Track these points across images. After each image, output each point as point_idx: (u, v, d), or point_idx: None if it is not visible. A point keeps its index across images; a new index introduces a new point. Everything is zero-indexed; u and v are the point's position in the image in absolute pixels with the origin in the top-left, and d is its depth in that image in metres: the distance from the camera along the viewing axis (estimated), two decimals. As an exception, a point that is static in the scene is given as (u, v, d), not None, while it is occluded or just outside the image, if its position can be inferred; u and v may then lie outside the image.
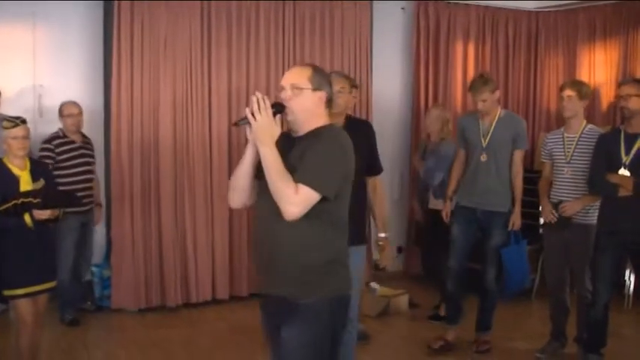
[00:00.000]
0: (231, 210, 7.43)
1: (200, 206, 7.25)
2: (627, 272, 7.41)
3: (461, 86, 8.69)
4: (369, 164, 4.95)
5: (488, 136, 5.97)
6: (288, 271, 3.28)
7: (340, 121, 4.88)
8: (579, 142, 5.73)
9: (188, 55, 7.18)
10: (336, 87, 4.75)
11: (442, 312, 6.64)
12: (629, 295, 7.48)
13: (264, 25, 7.56)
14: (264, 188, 3.27)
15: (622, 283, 7.46)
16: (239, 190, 3.60)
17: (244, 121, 3.28)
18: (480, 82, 5.94)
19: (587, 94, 5.80)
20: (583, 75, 8.81)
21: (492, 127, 5.97)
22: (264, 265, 3.39)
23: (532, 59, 9.12)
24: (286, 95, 3.33)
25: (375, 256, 5.41)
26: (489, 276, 6.09)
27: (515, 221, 5.93)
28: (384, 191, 5.31)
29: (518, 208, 5.96)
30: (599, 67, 8.75)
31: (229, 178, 7.24)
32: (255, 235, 3.49)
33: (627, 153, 5.30)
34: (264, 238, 3.35)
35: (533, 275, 7.15)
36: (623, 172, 5.27)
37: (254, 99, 3.19)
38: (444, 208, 6.25)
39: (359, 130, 4.84)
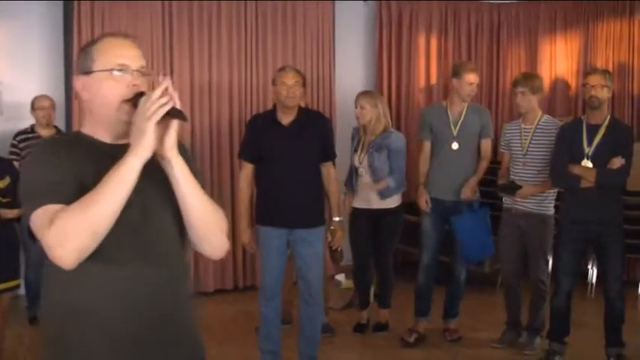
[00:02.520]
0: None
1: (164, 202, 7.20)
2: (590, 261, 7.51)
3: (424, 78, 8.72)
4: (322, 151, 5.22)
5: (459, 125, 6.04)
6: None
7: (294, 113, 5.15)
8: (535, 133, 5.81)
9: (149, 54, 7.14)
10: (290, 81, 5.07)
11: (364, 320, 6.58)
12: (591, 284, 7.58)
13: (225, 24, 7.57)
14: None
15: (585, 273, 7.56)
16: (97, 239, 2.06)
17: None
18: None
19: (539, 87, 5.87)
20: (544, 66, 8.90)
21: (462, 115, 6.05)
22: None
23: (494, 51, 9.17)
24: None
25: (329, 238, 5.48)
26: (459, 266, 6.17)
27: (466, 190, 6.00)
28: (337, 177, 5.43)
29: (473, 180, 6.04)
30: (559, 58, 8.84)
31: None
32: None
33: (589, 144, 5.35)
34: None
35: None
36: (586, 163, 5.32)
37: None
38: (422, 196, 6.12)
39: (312, 119, 5.27)
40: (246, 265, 7.81)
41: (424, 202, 6.09)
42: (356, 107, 6.18)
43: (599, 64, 8.15)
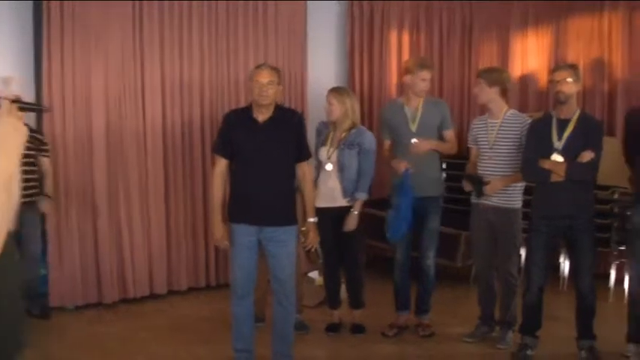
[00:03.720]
0: (167, 204, 7.40)
1: (135, 201, 7.19)
2: (562, 255, 7.56)
3: (396, 76, 8.75)
4: (297, 151, 5.24)
5: (417, 121, 6.08)
6: None
7: (269, 111, 5.15)
8: (501, 127, 5.86)
9: (120, 52, 7.10)
10: (264, 79, 5.08)
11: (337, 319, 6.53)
12: (563, 278, 7.63)
13: (196, 23, 7.54)
14: None
15: (557, 266, 7.61)
16: None
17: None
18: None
19: (497, 80, 5.90)
20: (516, 62, 8.93)
21: (419, 111, 6.09)
22: None
23: (466, 47, 9.20)
24: None
25: (302, 239, 5.50)
26: (428, 261, 6.19)
27: (420, 143, 6.05)
28: (313, 177, 5.49)
29: (430, 142, 6.10)
30: (531, 54, 8.87)
31: (164, 172, 7.26)
32: None
33: (559, 138, 5.39)
34: None
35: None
36: (556, 157, 5.36)
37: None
38: (399, 162, 6.04)
39: (287, 118, 5.26)
40: (219, 263, 7.78)
41: (403, 166, 6.01)
42: (327, 104, 6.18)
43: (570, 59, 8.19)
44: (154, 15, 7.26)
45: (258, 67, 5.28)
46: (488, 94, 5.89)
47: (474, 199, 6.01)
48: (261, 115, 5.13)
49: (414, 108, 6.13)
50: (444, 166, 8.22)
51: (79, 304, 7.00)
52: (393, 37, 8.92)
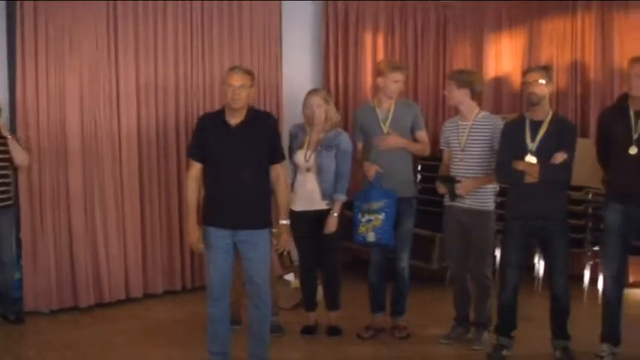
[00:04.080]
0: (142, 206, 7.37)
1: (110, 203, 7.15)
2: (536, 256, 7.60)
3: (371, 77, 8.76)
4: (271, 153, 5.22)
5: (389, 121, 6.12)
6: None
7: (242, 114, 5.14)
8: (472, 129, 5.88)
9: (94, 52, 7.05)
10: (236, 82, 5.04)
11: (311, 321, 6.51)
12: (538, 279, 7.68)
13: (171, 23, 7.51)
14: None
15: (532, 267, 7.66)
16: None
17: None
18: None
19: (466, 82, 5.92)
20: (490, 64, 9.01)
21: (391, 112, 6.12)
22: None
23: (441, 48, 9.26)
24: None
25: (274, 241, 5.45)
26: (402, 262, 6.20)
27: (389, 138, 6.08)
28: (287, 179, 5.49)
29: (403, 140, 6.13)
30: (505, 56, 8.95)
31: (139, 174, 7.24)
32: None
33: (533, 140, 5.43)
34: None
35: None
36: (530, 158, 5.39)
37: None
38: (370, 166, 6.09)
39: (260, 121, 5.24)
40: (195, 266, 7.76)
41: (374, 170, 6.06)
42: (307, 106, 6.14)
43: (544, 61, 8.27)
44: (128, 15, 7.22)
45: (231, 69, 5.24)
46: (458, 96, 5.92)
47: (447, 202, 6.04)
48: (234, 119, 5.12)
49: (386, 109, 6.15)
50: (419, 167, 8.29)
51: (54, 309, 6.95)
52: (368, 37, 8.95)
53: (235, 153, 5.07)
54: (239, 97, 5.02)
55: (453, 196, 5.87)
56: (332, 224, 6.10)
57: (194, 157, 5.27)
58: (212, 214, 5.16)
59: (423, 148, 6.29)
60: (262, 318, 5.30)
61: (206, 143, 5.16)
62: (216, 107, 7.00)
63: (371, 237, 6.06)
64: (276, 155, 5.27)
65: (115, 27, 7.16)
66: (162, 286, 7.59)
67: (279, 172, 5.30)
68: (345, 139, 6.16)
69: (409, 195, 6.20)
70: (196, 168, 5.25)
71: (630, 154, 5.33)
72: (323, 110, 6.12)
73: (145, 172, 7.41)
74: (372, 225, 6.04)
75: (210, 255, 5.21)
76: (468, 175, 5.85)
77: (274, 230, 5.38)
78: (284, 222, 5.37)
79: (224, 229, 5.11)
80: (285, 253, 5.63)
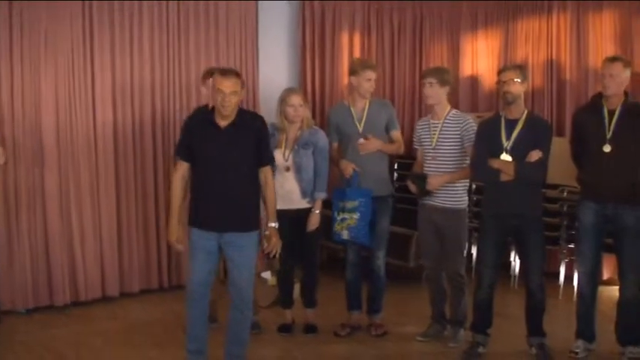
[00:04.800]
0: (119, 206, 7.35)
1: (86, 202, 7.12)
2: (512, 253, 7.64)
3: (347, 76, 8.75)
4: (259, 156, 5.15)
5: (363, 121, 6.15)
6: None
7: (231, 116, 5.02)
8: (443, 128, 5.92)
9: (70, 52, 7.01)
10: (227, 89, 4.90)
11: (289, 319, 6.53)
12: (514, 276, 7.73)
13: (147, 24, 7.49)
14: None
15: (508, 265, 7.71)
16: None
17: None
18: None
19: (448, 80, 5.96)
20: (466, 63, 9.04)
21: (366, 111, 6.15)
22: None
23: (417, 48, 9.28)
24: None
25: (264, 244, 5.39)
26: (378, 261, 6.23)
27: (368, 142, 6.11)
28: (274, 182, 5.39)
29: (379, 142, 6.15)
30: (481, 55, 8.98)
31: (115, 173, 7.20)
32: None
33: (508, 138, 5.46)
34: None
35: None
36: (505, 157, 5.43)
37: None
38: (347, 165, 6.14)
39: (248, 122, 5.12)
40: (172, 265, 7.74)
41: (351, 169, 6.10)
42: (289, 104, 6.11)
43: (520, 60, 8.30)
44: (103, 14, 7.18)
45: (223, 73, 4.99)
46: (441, 94, 5.94)
47: (420, 200, 6.07)
48: (223, 121, 5.02)
49: (361, 109, 6.18)
50: (395, 166, 8.32)
51: (29, 308, 6.91)
52: (345, 37, 8.98)
53: (223, 154, 5.00)
54: (229, 104, 4.92)
55: (423, 193, 5.90)
56: (314, 222, 6.12)
57: (182, 157, 5.20)
58: (198, 215, 5.12)
59: (397, 147, 6.33)
60: (243, 320, 5.25)
61: (193, 143, 5.08)
62: (193, 107, 7.03)
63: (345, 235, 6.09)
64: (264, 158, 5.21)
65: (91, 26, 7.13)
66: (138, 285, 7.56)
67: (267, 174, 5.24)
68: (322, 137, 6.17)
69: (385, 193, 6.23)
70: (183, 168, 5.19)
71: (604, 153, 5.39)
72: (304, 109, 6.15)
73: (121, 172, 7.38)
74: (346, 224, 6.06)
75: (194, 255, 5.15)
76: (440, 173, 5.88)
77: (266, 233, 5.33)
78: (273, 225, 5.30)
79: (210, 231, 5.06)
80: (275, 256, 5.48)
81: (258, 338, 6.14)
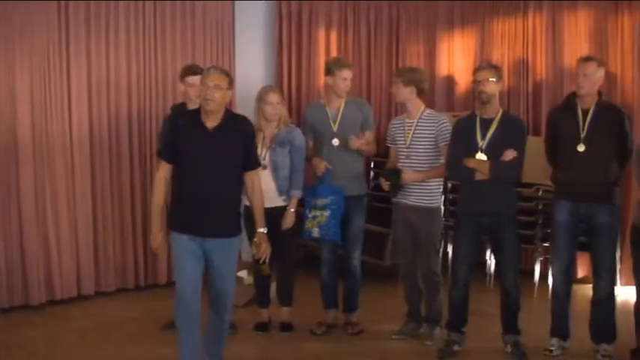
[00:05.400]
0: (94, 204, 7.32)
1: (62, 200, 7.08)
2: (488, 252, 7.68)
3: (324, 74, 8.77)
4: (246, 160, 5.02)
5: (338, 120, 6.17)
6: None
7: (219, 117, 4.87)
8: (417, 127, 5.94)
9: (45, 51, 6.96)
10: (210, 82, 4.78)
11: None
12: (490, 275, 7.76)
13: (123, 22, 7.46)
14: None
15: (483, 263, 7.76)
16: None
17: None
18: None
19: (412, 80, 5.95)
20: (442, 62, 9.07)
21: (341, 111, 6.17)
22: None
23: (394, 47, 9.29)
24: None
25: (253, 250, 5.30)
26: (354, 261, 6.25)
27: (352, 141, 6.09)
28: (261, 187, 5.25)
29: (358, 140, 6.14)
30: (457, 54, 9.01)
31: (91, 171, 7.15)
32: None
33: (483, 137, 5.50)
34: None
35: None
36: (480, 156, 5.46)
37: None
38: (320, 162, 6.16)
39: (237, 125, 4.98)
40: (148, 263, 7.72)
41: (323, 166, 6.12)
42: (268, 102, 6.08)
43: (495, 60, 8.34)
44: (79, 13, 7.15)
45: (207, 69, 4.96)
46: (404, 94, 5.95)
47: (394, 199, 6.09)
48: (210, 122, 4.85)
49: (336, 108, 6.20)
50: (371, 164, 8.33)
51: (5, 307, 6.86)
52: (321, 36, 8.99)
53: (209, 157, 4.83)
54: (212, 98, 4.75)
55: (396, 188, 5.91)
56: (289, 220, 6.12)
57: (166, 158, 5.00)
58: (180, 220, 4.93)
59: (370, 148, 6.36)
60: (223, 325, 5.19)
61: (178, 144, 4.88)
62: (169, 106, 7.03)
63: (316, 233, 6.11)
64: (251, 162, 5.09)
65: (67, 25, 7.10)
66: (114, 284, 7.53)
67: (254, 179, 5.13)
68: (298, 135, 6.18)
69: (360, 193, 6.26)
70: (165, 169, 4.98)
71: (578, 152, 5.44)
72: (282, 107, 6.16)
73: (97, 169, 7.35)
74: (317, 221, 6.08)
75: (179, 262, 4.97)
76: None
77: (255, 240, 5.22)
78: (262, 230, 5.19)
79: (194, 236, 4.89)
80: (265, 262, 5.31)
81: (235, 337, 6.14)
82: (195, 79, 5.93)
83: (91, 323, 6.65)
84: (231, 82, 4.97)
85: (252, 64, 8.68)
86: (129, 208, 7.54)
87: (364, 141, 6.17)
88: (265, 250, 5.20)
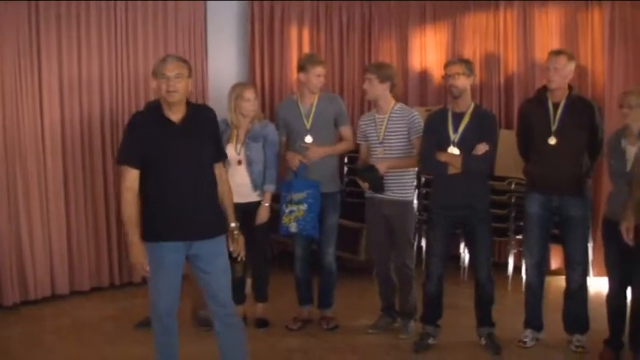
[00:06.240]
0: (67, 203, 7.28)
1: (34, 200, 7.03)
2: (462, 245, 7.72)
3: (296, 72, 8.77)
4: (214, 151, 4.67)
5: (311, 117, 6.16)
6: None
7: (182, 110, 4.51)
8: (389, 122, 5.96)
9: (16, 50, 6.92)
10: (171, 72, 4.40)
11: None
12: (464, 268, 7.81)
13: (95, 22, 7.43)
14: None
15: (458, 256, 7.80)
16: None
17: None
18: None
19: (388, 76, 5.98)
20: (415, 58, 9.09)
21: (314, 107, 6.17)
22: None
23: (366, 43, 9.30)
24: None
25: (231, 247, 4.80)
26: (329, 257, 6.26)
27: (311, 152, 6.08)
28: (228, 178, 4.89)
29: (323, 148, 6.15)
30: (429, 50, 9.04)
31: (63, 170, 7.10)
32: None
33: (455, 131, 5.53)
34: None
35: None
36: (452, 150, 5.49)
37: None
38: (293, 157, 6.15)
39: (202, 115, 4.65)
40: (122, 262, 7.68)
41: (297, 160, 6.12)
42: (244, 100, 6.07)
43: (467, 55, 8.38)
44: (50, 13, 7.11)
45: (163, 59, 4.53)
46: (379, 90, 5.97)
47: (368, 194, 6.10)
48: (174, 115, 4.45)
49: (309, 104, 6.19)
50: (345, 160, 8.34)
51: (-22, 307, 6.84)
52: (294, 34, 8.98)
53: (180, 153, 4.42)
54: (175, 89, 4.37)
55: (377, 185, 5.91)
56: (263, 214, 6.13)
57: (129, 163, 4.48)
58: (159, 228, 4.46)
59: (348, 146, 6.39)
60: (238, 338, 4.78)
61: (143, 145, 4.43)
62: (141, 105, 7.03)
63: (293, 228, 6.11)
64: (219, 153, 4.76)
65: (37, 24, 7.05)
66: (89, 283, 7.50)
67: (222, 171, 4.75)
68: (272, 130, 6.19)
69: (333, 190, 6.26)
70: (132, 177, 4.45)
71: (549, 145, 5.49)
72: (255, 103, 6.17)
73: (70, 168, 7.31)
74: (294, 216, 6.08)
75: (157, 276, 4.50)
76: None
77: (235, 232, 4.78)
78: (233, 224, 4.75)
79: (176, 243, 4.46)
80: (240, 259, 4.90)
81: (211, 334, 6.10)
82: None
83: (66, 323, 6.63)
84: (190, 70, 4.55)
85: (224, 63, 8.67)
86: (102, 206, 7.51)
87: (322, 152, 6.16)
88: (241, 246, 4.79)
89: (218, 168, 4.71)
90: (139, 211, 4.51)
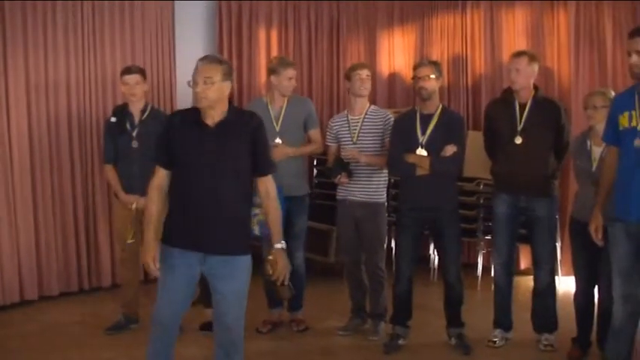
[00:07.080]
0: (35, 208, 7.21)
1: (1, 205, 6.96)
2: (431, 246, 7.76)
3: (265, 73, 8.78)
4: (258, 162, 4.31)
5: (281, 119, 6.14)
6: None
7: (221, 113, 4.22)
8: (364, 123, 5.99)
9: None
10: (201, 76, 4.26)
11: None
12: (434, 269, 7.84)
13: (61, 22, 7.37)
14: None
15: (427, 258, 7.84)
16: None
17: None
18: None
19: (348, 77, 6.07)
20: (383, 60, 9.14)
21: (284, 110, 6.15)
22: None
23: (334, 45, 9.33)
24: None
25: (269, 271, 4.47)
26: (297, 260, 6.23)
27: (277, 151, 5.89)
28: (276, 194, 4.49)
29: (291, 149, 6.11)
30: (397, 52, 9.10)
31: (31, 174, 7.04)
32: None
33: (423, 133, 5.57)
34: None
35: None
36: (420, 151, 5.53)
37: None
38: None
39: (243, 122, 4.28)
40: (91, 267, 7.64)
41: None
42: None
43: (435, 56, 8.45)
44: (16, 13, 7.05)
45: (200, 59, 4.36)
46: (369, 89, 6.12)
47: (339, 196, 6.11)
48: (210, 119, 4.19)
49: (279, 107, 6.17)
50: (314, 162, 8.35)
51: (-55, 313, 6.77)
52: (262, 35, 8.98)
53: (211, 159, 4.14)
54: (204, 95, 4.16)
55: (345, 170, 5.91)
56: None
57: (158, 162, 4.32)
58: (176, 232, 4.25)
59: (316, 147, 6.35)
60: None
61: (174, 146, 4.22)
62: (109, 106, 7.03)
63: (256, 231, 6.07)
64: (265, 165, 4.36)
65: (3, 24, 6.99)
66: (57, 288, 7.43)
67: (268, 186, 4.39)
68: None
69: (302, 193, 6.26)
70: (160, 176, 4.30)
71: (516, 145, 5.53)
72: None
73: (37, 172, 7.23)
74: (257, 219, 6.05)
75: (166, 282, 4.28)
76: (361, 167, 5.94)
77: (269, 257, 4.45)
78: (279, 246, 4.43)
79: (190, 253, 4.21)
80: (283, 283, 4.51)
81: (181, 338, 6.02)
82: (128, 79, 6.05)
83: (35, 328, 6.57)
84: (227, 71, 4.26)
85: (192, 64, 8.56)
86: (70, 210, 7.45)
87: (288, 152, 6.11)
88: (283, 270, 4.43)
89: (263, 183, 4.37)
90: (163, 210, 4.34)
